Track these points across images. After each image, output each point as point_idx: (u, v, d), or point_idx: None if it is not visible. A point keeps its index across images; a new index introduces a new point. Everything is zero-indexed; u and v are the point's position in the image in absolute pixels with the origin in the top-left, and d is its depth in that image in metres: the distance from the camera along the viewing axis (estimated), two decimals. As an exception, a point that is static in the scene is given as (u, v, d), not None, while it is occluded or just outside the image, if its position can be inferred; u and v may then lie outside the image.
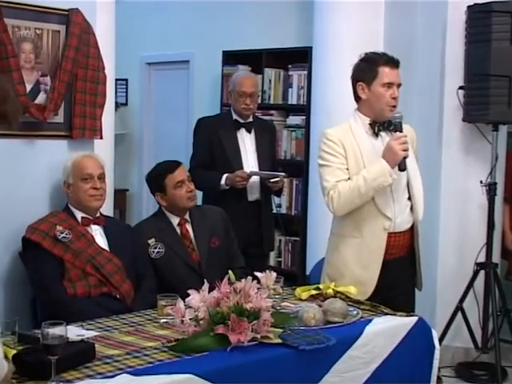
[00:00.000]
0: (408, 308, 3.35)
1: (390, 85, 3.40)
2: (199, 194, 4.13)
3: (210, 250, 3.80)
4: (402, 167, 3.35)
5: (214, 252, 3.81)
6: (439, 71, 5.02)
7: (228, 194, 4.59)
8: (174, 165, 3.83)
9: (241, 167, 4.64)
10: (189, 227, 3.82)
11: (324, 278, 3.57)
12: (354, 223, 3.45)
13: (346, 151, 3.40)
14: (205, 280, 2.77)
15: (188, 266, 3.72)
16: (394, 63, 3.42)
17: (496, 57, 4.59)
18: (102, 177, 3.60)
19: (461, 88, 4.81)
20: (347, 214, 3.43)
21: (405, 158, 3.33)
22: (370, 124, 3.46)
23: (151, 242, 3.71)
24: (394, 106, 3.42)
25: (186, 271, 3.70)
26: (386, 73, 3.40)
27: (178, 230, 3.80)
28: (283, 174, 4.71)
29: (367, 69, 3.43)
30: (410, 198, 3.51)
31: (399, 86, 3.44)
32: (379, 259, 3.43)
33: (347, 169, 3.40)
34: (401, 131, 3.38)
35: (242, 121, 4.73)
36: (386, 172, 3.30)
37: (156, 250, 3.70)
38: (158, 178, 3.84)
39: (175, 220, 3.81)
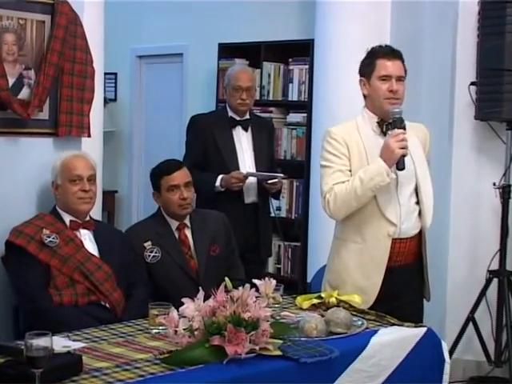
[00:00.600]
0: (416, 318, 3.34)
1: (387, 77, 3.39)
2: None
3: (210, 259, 3.80)
4: (401, 166, 3.33)
5: (213, 260, 3.80)
6: (450, 66, 5.02)
7: (223, 196, 4.60)
8: (174, 167, 3.82)
9: (237, 168, 4.65)
10: (188, 233, 3.82)
11: (325, 285, 3.58)
12: (356, 227, 3.45)
13: (349, 151, 3.40)
14: (200, 288, 2.76)
15: (185, 274, 3.72)
16: (392, 55, 3.42)
17: (510, 50, 4.59)
18: (92, 178, 3.60)
19: (473, 84, 4.81)
20: (348, 218, 3.43)
21: (403, 156, 3.31)
22: (377, 122, 3.46)
23: (147, 245, 3.70)
24: (395, 99, 3.39)
25: (183, 279, 3.69)
26: (383, 65, 3.39)
27: (177, 235, 3.79)
28: (282, 174, 4.73)
29: (367, 63, 3.45)
30: (418, 203, 3.50)
31: (400, 78, 3.42)
32: (382, 267, 3.42)
33: (350, 170, 3.40)
34: (400, 127, 3.35)
35: (238, 118, 4.74)
36: (383, 171, 3.29)
37: (152, 254, 3.69)
38: (156, 177, 3.84)
39: (174, 224, 3.80)
